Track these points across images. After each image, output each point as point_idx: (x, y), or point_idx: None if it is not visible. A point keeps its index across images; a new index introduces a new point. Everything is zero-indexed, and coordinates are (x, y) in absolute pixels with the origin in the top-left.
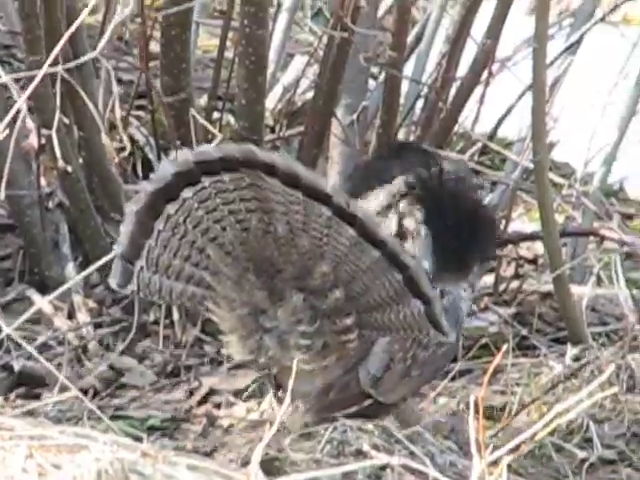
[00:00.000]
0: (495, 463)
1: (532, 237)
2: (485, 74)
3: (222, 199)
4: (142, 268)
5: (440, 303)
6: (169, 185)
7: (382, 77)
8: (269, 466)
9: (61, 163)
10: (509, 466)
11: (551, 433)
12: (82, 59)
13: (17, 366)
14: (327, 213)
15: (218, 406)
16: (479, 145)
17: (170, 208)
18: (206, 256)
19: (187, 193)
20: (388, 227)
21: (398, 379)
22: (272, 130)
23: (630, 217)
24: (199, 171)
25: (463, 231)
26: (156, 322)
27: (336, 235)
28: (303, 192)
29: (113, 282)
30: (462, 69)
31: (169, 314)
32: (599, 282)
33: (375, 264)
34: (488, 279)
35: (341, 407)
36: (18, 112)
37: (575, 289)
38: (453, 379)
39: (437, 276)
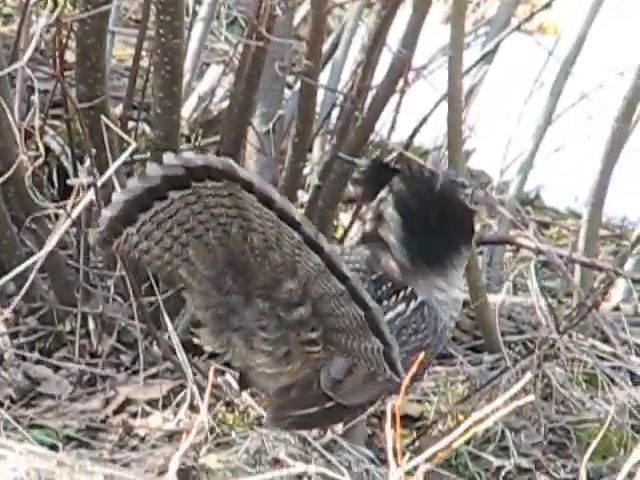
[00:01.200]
0: (412, 472)
1: None
2: (401, 83)
3: (205, 203)
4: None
5: (397, 347)
6: (156, 187)
7: (298, 86)
8: (186, 475)
9: None
10: (425, 475)
11: (467, 442)
12: (7, 69)
13: None
14: (298, 237)
15: (134, 415)
16: (395, 154)
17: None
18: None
19: (174, 195)
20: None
21: (360, 383)
22: (188, 139)
23: (546, 225)
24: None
25: (434, 227)
26: (72, 332)
27: (305, 258)
28: (276, 214)
29: (96, 234)
30: (378, 78)
31: (85, 323)
32: (515, 290)
33: (340, 295)
34: None
35: (302, 406)
36: None
37: (491, 297)
38: None
39: (409, 277)
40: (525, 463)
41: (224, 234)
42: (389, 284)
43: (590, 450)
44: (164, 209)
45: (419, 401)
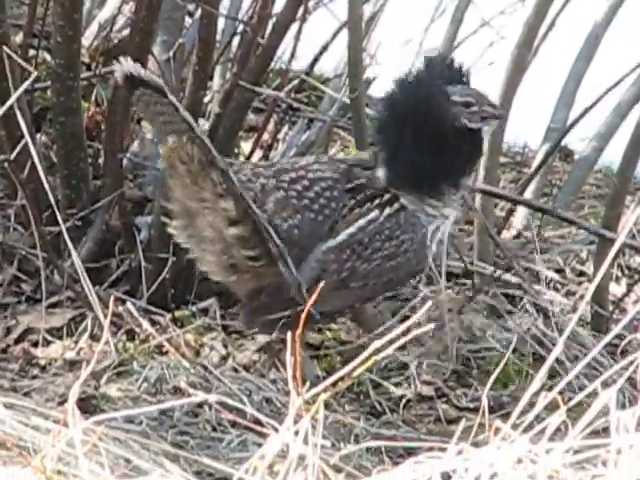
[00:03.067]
0: (313, 400)
1: None
2: (301, 11)
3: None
4: None
5: (298, 276)
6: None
7: (198, 14)
8: (86, 404)
9: None
10: (326, 403)
11: (369, 370)
12: None
13: None
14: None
15: (35, 344)
16: (296, 82)
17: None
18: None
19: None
20: None
21: (331, 290)
22: (88, 67)
23: None
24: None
25: (430, 145)
26: None
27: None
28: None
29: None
30: (278, 6)
31: None
32: None
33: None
34: None
35: (272, 311)
36: None
37: None
38: None
39: (393, 183)
40: (426, 391)
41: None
42: (367, 192)
43: (492, 379)
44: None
45: (319, 330)
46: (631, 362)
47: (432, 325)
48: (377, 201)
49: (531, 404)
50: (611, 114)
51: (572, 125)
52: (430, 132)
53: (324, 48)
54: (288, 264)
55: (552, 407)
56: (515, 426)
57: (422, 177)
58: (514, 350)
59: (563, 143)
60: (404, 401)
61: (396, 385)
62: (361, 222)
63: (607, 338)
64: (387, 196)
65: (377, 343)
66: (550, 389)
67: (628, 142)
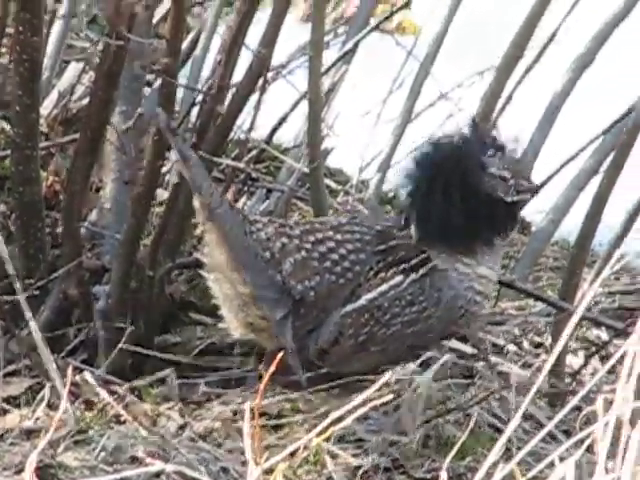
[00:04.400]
0: (270, 470)
1: None
2: (260, 81)
3: None
4: None
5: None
6: None
7: (157, 84)
8: (44, 473)
9: None
10: (283, 474)
11: (326, 440)
12: None
13: None
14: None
15: None
16: (255, 152)
17: None
18: None
19: None
20: None
21: (349, 353)
22: (47, 137)
23: None
24: None
25: (464, 210)
26: None
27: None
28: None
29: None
30: (238, 76)
31: None
32: None
33: None
34: None
35: (294, 372)
36: None
37: None
38: (228, 387)
39: (425, 240)
40: (383, 462)
41: None
42: (397, 254)
43: (453, 452)
44: None
45: (279, 400)
46: (588, 435)
47: (390, 396)
48: (403, 265)
49: (488, 475)
50: (569, 186)
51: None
52: (465, 199)
53: (283, 118)
54: (284, 331)
55: (509, 479)
56: None
57: (454, 233)
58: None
59: (521, 215)
60: (361, 472)
61: (354, 456)
62: (383, 287)
63: (564, 411)
64: (416, 260)
65: (336, 413)
66: (507, 461)
67: (586, 214)
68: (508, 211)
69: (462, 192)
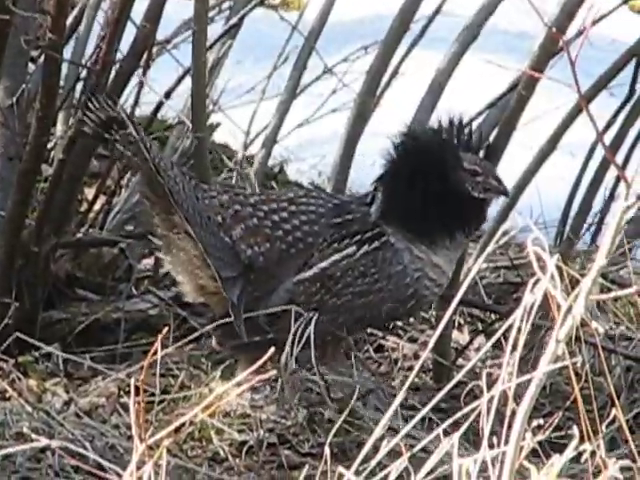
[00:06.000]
0: (156, 446)
1: None
2: (145, 57)
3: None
4: None
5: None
6: None
7: (42, 59)
8: None
9: None
10: (169, 449)
11: (211, 416)
12: None
13: None
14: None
15: None
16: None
17: None
18: None
19: None
20: None
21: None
22: None
23: None
24: None
25: (430, 197)
26: None
27: None
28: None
29: None
30: (122, 52)
31: None
32: None
33: None
34: (148, 261)
35: (247, 334)
36: None
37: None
38: (113, 362)
39: (384, 219)
40: (270, 438)
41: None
42: (353, 227)
43: (336, 426)
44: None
45: (163, 375)
46: (473, 409)
47: (274, 371)
48: (358, 237)
49: (374, 451)
50: None
51: None
52: (433, 187)
53: (167, 94)
54: (232, 291)
55: (395, 454)
56: (358, 472)
57: (415, 218)
58: (358, 397)
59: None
60: (246, 447)
61: (239, 431)
62: (335, 257)
63: (450, 385)
64: (370, 233)
65: (220, 389)
66: (393, 436)
67: None
68: (475, 207)
69: (433, 179)
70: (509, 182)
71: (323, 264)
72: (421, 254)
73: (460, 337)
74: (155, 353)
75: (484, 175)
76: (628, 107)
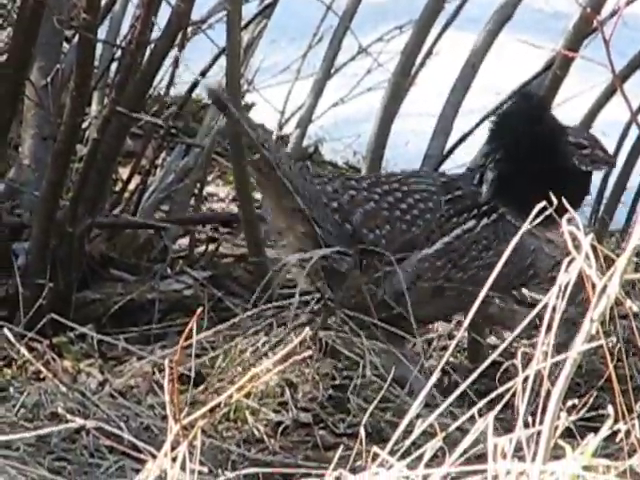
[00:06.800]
0: (191, 426)
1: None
2: (179, 37)
3: None
4: None
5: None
6: None
7: (76, 39)
8: None
9: None
10: (204, 429)
11: (246, 396)
12: None
13: None
14: None
15: None
16: (174, 108)
17: None
18: None
19: None
20: None
21: (425, 297)
22: None
23: None
24: None
25: (539, 175)
26: None
27: None
28: None
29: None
30: (157, 32)
31: None
32: None
33: None
34: (183, 242)
35: (367, 312)
36: None
37: (270, 252)
38: (148, 343)
39: (496, 201)
40: (303, 418)
41: None
42: (466, 203)
43: (371, 407)
44: None
45: (197, 355)
46: (508, 389)
47: (310, 352)
48: (475, 211)
49: (409, 430)
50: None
51: (449, 152)
52: (543, 164)
53: (203, 74)
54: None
55: (430, 433)
56: (393, 452)
57: (527, 197)
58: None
59: (441, 170)
60: (281, 428)
61: (274, 412)
62: (458, 231)
63: (483, 365)
64: (486, 207)
65: (256, 369)
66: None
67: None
68: (581, 179)
69: (542, 157)
70: None
71: (446, 239)
72: (535, 231)
73: None
74: (190, 334)
75: (590, 147)
76: None
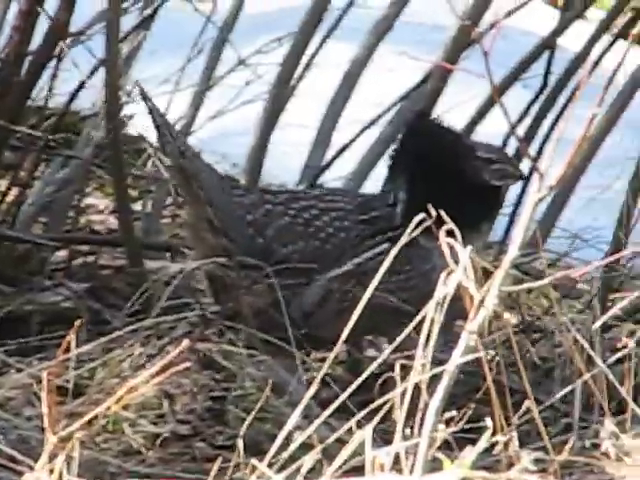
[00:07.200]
0: (68, 438)
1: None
2: (58, 48)
3: None
4: None
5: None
6: None
7: None
8: None
9: None
10: (81, 441)
11: (124, 408)
12: None
13: None
14: None
15: None
16: (53, 120)
17: None
18: None
19: None
20: None
21: (332, 317)
22: None
23: None
24: None
25: (450, 193)
26: None
27: None
28: None
29: None
30: (35, 43)
31: None
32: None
33: None
34: (62, 253)
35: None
36: None
37: (151, 264)
38: (27, 355)
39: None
40: (182, 429)
41: None
42: (382, 224)
43: (249, 418)
44: None
45: (76, 367)
46: (386, 401)
47: (188, 364)
48: (390, 234)
49: (288, 442)
50: (368, 152)
51: (329, 164)
52: (452, 182)
53: (81, 85)
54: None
55: (309, 445)
56: (271, 464)
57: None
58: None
59: (319, 182)
60: (160, 439)
61: (152, 423)
62: (369, 253)
63: (362, 377)
64: (400, 230)
65: (133, 381)
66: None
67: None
68: (492, 195)
69: (450, 175)
70: None
71: (357, 260)
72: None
73: None
74: (68, 345)
75: (500, 162)
76: (541, 99)
